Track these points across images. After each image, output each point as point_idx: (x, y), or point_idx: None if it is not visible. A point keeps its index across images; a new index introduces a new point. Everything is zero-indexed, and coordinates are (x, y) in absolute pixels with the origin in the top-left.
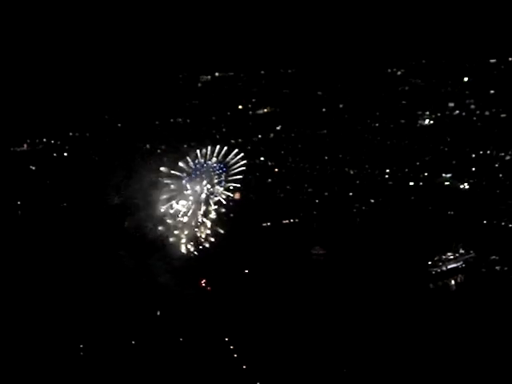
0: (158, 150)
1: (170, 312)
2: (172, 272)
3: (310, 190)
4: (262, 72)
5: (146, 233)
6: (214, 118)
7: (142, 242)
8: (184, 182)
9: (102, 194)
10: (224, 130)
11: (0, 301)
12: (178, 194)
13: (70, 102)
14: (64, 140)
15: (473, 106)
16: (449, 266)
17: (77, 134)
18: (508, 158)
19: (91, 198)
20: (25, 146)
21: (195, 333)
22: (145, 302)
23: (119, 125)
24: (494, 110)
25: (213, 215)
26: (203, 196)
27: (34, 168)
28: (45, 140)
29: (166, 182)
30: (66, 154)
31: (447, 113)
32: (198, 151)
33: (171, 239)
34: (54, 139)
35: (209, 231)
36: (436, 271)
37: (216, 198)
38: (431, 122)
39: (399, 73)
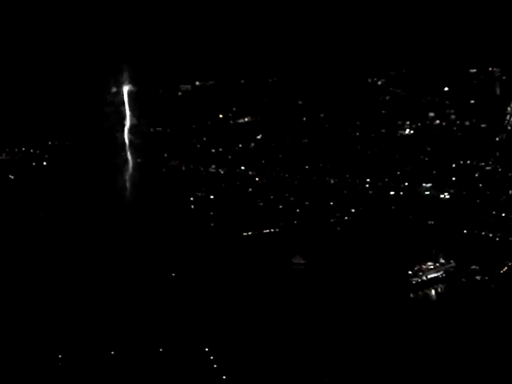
0: (138, 160)
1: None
2: None
3: (290, 199)
4: (243, 81)
5: None
6: (194, 126)
7: None
8: None
9: (83, 203)
10: (204, 138)
11: None
12: None
13: (48, 111)
14: (43, 149)
15: (453, 116)
16: (429, 276)
17: (56, 143)
18: (488, 167)
19: (72, 207)
20: (3, 155)
21: (175, 343)
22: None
23: (99, 133)
24: (474, 120)
25: None
26: None
27: (12, 177)
28: (24, 149)
29: None
30: (45, 164)
31: (427, 122)
32: None
33: None
34: (33, 148)
35: None
36: (416, 281)
37: None
38: (411, 131)
39: (379, 82)
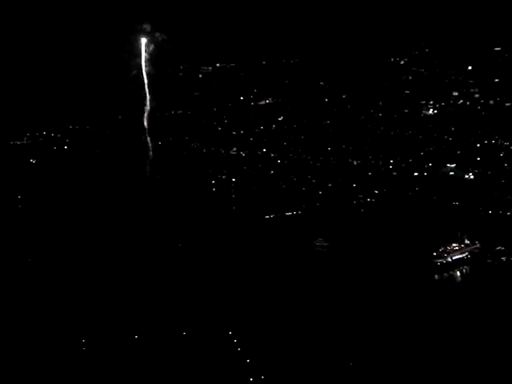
0: (159, 143)
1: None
2: None
3: (313, 181)
4: (264, 63)
5: None
6: (215, 109)
7: None
8: None
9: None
10: (226, 121)
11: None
12: None
13: (69, 95)
14: (64, 133)
15: (477, 95)
16: (454, 257)
17: (77, 127)
18: None
19: (93, 190)
20: (25, 139)
21: (197, 326)
22: None
23: (120, 117)
24: (498, 99)
25: None
26: None
27: (34, 161)
28: (45, 133)
29: None
30: (66, 147)
31: (451, 102)
32: None
33: None
34: (53, 132)
35: None
36: (441, 262)
37: None
38: (435, 111)
39: (402, 62)
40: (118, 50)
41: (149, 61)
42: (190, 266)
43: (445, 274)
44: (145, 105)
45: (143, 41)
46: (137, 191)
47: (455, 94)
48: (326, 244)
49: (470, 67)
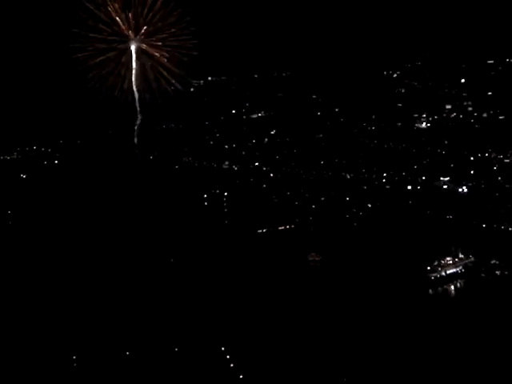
0: (150, 157)
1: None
2: None
3: (306, 195)
4: (256, 76)
5: None
6: (207, 122)
7: None
8: None
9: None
10: (218, 135)
11: None
12: None
13: (59, 110)
14: (54, 147)
15: (470, 108)
16: (448, 271)
17: (67, 142)
18: (507, 160)
19: (83, 205)
20: (15, 154)
21: (189, 342)
22: None
23: (110, 132)
24: (491, 112)
25: None
26: None
27: (24, 176)
28: (35, 148)
29: None
30: (56, 162)
31: (444, 115)
32: None
33: None
34: (44, 147)
35: None
36: (435, 276)
37: None
38: (428, 124)
39: (395, 75)
40: (108, 61)
41: (139, 73)
42: (182, 281)
43: (439, 288)
44: (136, 118)
45: (133, 48)
46: (128, 205)
47: (448, 107)
48: (319, 258)
49: (463, 80)
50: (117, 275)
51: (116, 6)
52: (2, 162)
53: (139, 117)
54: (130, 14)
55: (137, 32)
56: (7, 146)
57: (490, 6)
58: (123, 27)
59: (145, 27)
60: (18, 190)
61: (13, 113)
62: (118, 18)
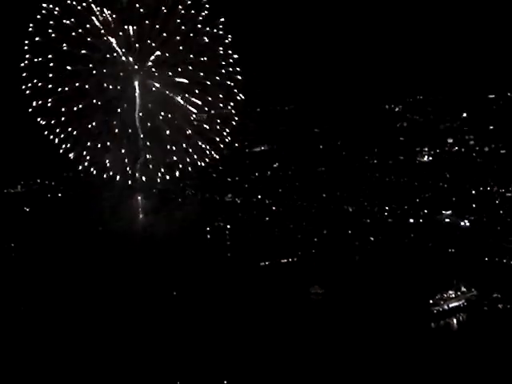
0: (154, 190)
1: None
2: None
3: (308, 228)
4: (258, 110)
5: None
6: (209, 155)
7: None
8: None
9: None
10: (220, 167)
11: None
12: None
13: (62, 142)
14: (58, 181)
15: (472, 142)
16: (450, 305)
17: (70, 175)
18: (509, 194)
19: (87, 240)
20: (18, 187)
21: (191, 378)
22: None
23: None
24: (493, 146)
25: None
26: None
27: (28, 209)
28: (39, 181)
29: None
30: (60, 195)
31: (446, 149)
32: None
33: None
34: (48, 180)
35: None
36: (437, 310)
37: None
38: (430, 158)
39: (397, 109)
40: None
41: (142, 105)
42: (185, 315)
43: (441, 322)
44: (138, 151)
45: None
46: (130, 238)
47: (450, 140)
48: (321, 291)
49: (464, 114)
50: (119, 308)
51: (109, 17)
52: (6, 195)
53: (142, 148)
54: (130, 30)
55: (142, 60)
56: (11, 179)
57: (490, 40)
58: (121, 52)
59: (157, 53)
60: (22, 223)
61: (16, 146)
62: (113, 41)
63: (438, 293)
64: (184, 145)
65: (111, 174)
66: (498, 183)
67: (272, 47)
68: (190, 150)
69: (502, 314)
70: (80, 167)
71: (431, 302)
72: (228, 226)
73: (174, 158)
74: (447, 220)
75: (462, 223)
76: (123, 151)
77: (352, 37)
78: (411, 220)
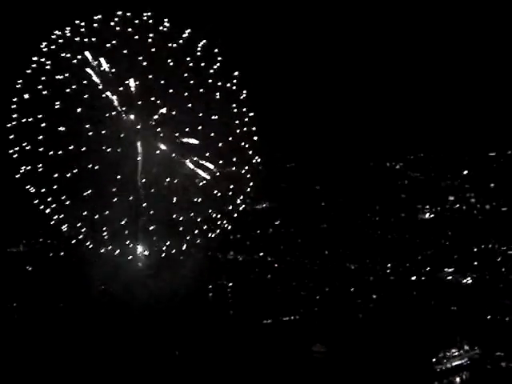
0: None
1: None
2: None
3: (310, 285)
4: (260, 167)
5: None
6: (212, 213)
7: None
8: None
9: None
10: (224, 225)
11: None
12: None
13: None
14: (60, 240)
15: (473, 200)
16: (453, 363)
17: (72, 233)
18: (510, 252)
19: (89, 298)
20: (21, 246)
21: None
22: None
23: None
24: (494, 204)
25: None
26: None
27: (30, 269)
28: (41, 240)
29: None
30: (62, 254)
31: (447, 206)
32: None
33: None
34: (50, 239)
35: None
36: (440, 368)
37: None
38: (431, 215)
39: (398, 167)
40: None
41: (145, 170)
42: (187, 375)
43: (444, 381)
44: (140, 212)
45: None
46: (132, 297)
47: (451, 198)
48: (323, 349)
49: (465, 172)
50: (121, 368)
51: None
52: (9, 254)
53: (144, 211)
54: (132, 83)
55: (145, 118)
56: (13, 238)
57: (491, 99)
58: (121, 109)
59: (161, 110)
60: (24, 282)
61: (18, 205)
62: (113, 97)
63: (441, 351)
64: (192, 214)
65: (109, 248)
66: (499, 241)
67: (271, 102)
68: (198, 220)
69: (504, 373)
70: (73, 241)
71: (434, 360)
72: (230, 284)
73: (180, 229)
74: (449, 277)
75: (464, 281)
76: (123, 223)
77: (353, 94)
78: (413, 277)
